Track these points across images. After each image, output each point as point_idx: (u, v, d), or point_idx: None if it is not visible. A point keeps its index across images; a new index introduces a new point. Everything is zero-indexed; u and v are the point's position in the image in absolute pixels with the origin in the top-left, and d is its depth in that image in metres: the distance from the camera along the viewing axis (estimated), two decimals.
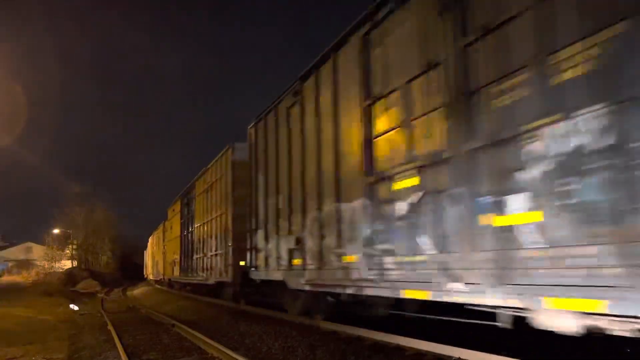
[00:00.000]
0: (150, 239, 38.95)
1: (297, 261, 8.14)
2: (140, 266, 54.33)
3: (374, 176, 6.10)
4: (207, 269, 15.11)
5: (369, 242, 6.15)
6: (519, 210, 4.09)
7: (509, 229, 4.17)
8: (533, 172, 3.94)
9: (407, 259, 5.47)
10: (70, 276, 40.70)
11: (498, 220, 4.29)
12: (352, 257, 6.52)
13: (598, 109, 3.44)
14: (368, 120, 6.29)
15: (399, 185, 5.67)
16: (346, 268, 6.65)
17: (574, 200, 3.62)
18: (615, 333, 3.69)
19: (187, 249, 18.40)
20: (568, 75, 3.67)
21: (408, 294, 5.43)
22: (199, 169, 16.66)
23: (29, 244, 67.77)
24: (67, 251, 53.22)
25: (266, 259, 9.07)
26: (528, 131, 3.96)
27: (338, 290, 6.93)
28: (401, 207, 5.59)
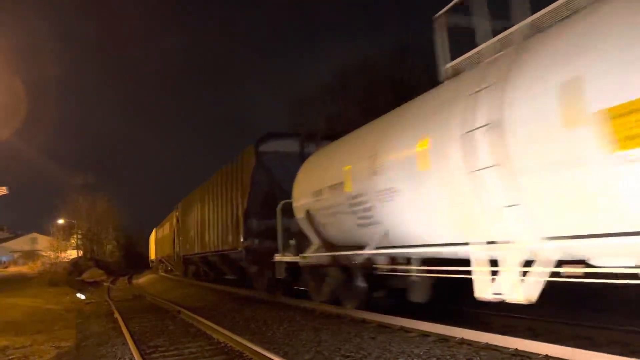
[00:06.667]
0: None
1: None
2: (144, 255, 54.68)
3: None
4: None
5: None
6: None
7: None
8: None
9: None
10: (75, 266, 40.98)
11: None
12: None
13: None
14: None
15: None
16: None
17: None
18: None
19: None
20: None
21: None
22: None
23: (34, 234, 68.12)
24: (72, 241, 53.52)
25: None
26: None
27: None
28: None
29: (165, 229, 31.64)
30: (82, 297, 18.44)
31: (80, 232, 54.58)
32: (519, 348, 5.19)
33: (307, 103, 32.94)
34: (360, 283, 8.16)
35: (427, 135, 6.00)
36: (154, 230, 42.01)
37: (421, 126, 6.32)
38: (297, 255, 10.04)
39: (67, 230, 53.15)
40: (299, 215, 10.05)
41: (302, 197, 10.00)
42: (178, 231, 24.98)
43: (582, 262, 4.41)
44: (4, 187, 18.90)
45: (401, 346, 6.05)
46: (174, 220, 26.29)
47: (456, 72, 6.25)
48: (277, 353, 5.89)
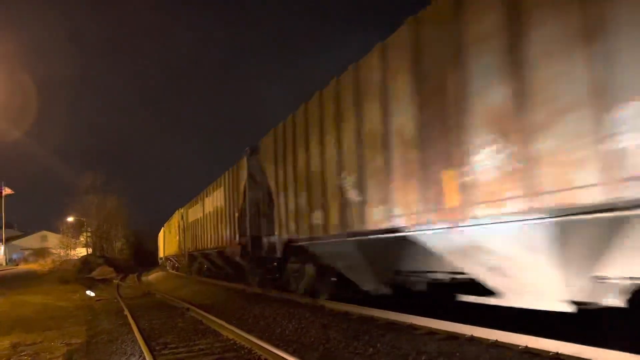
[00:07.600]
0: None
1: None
2: (153, 252, 54.93)
3: None
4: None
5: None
6: None
7: None
8: None
9: None
10: (85, 263, 41.23)
11: None
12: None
13: None
14: None
15: None
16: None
17: None
18: None
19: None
20: None
21: None
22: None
23: (44, 232, 68.71)
24: (82, 239, 53.94)
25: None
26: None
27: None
28: None
29: (213, 200, 18.12)
30: (92, 294, 18.56)
31: (89, 230, 54.96)
32: (529, 345, 5.15)
33: None
34: None
35: None
36: (176, 212, 29.20)
37: None
38: None
39: (77, 228, 53.60)
40: None
41: None
42: (272, 195, 10.90)
43: None
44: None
45: (410, 343, 6.03)
46: (241, 183, 13.43)
47: None
48: (286, 350, 5.90)
